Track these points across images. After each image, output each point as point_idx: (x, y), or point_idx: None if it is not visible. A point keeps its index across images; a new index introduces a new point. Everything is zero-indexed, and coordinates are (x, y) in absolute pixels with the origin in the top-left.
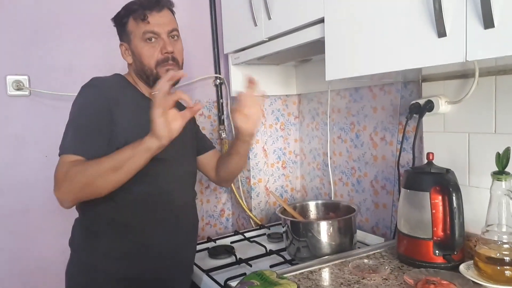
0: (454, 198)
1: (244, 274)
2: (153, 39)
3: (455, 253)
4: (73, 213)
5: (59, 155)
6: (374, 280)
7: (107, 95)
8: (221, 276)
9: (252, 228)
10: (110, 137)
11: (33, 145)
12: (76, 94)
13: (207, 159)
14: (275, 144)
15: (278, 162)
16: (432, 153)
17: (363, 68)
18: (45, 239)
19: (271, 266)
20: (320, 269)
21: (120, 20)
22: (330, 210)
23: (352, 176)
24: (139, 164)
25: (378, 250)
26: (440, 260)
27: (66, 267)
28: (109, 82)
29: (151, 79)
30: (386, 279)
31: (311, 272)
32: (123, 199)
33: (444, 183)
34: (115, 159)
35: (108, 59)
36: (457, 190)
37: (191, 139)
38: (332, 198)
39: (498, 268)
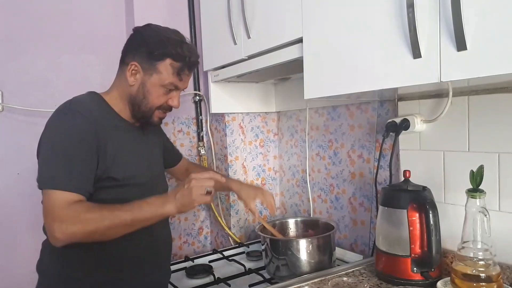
0: (430, 215)
1: None
2: (170, 91)
3: (433, 270)
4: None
5: (49, 188)
6: None
7: (92, 123)
8: None
9: (231, 246)
10: (100, 169)
11: (5, 162)
12: (51, 110)
13: (178, 169)
14: (255, 161)
15: (258, 179)
16: (409, 171)
17: (340, 88)
18: (15, 258)
19: (250, 286)
20: (300, 287)
21: (154, 50)
22: (309, 227)
23: (331, 193)
24: (152, 223)
25: (357, 268)
26: (418, 277)
27: None
28: (90, 106)
29: (140, 115)
30: None
31: None
32: None
33: (421, 200)
34: (132, 217)
35: (85, 74)
36: (434, 208)
37: (161, 155)
38: (311, 215)
39: (474, 284)
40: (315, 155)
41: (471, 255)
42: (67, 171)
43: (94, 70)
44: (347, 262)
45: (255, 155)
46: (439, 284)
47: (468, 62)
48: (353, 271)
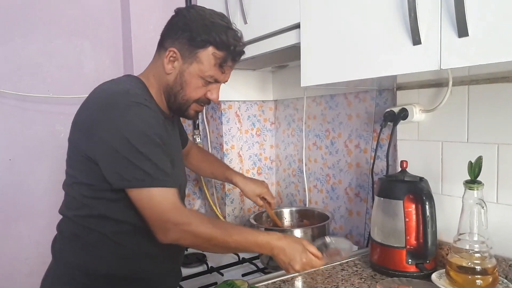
0: (427, 206)
1: (215, 283)
2: (209, 83)
3: (428, 261)
4: (37, 220)
5: (148, 186)
6: None
7: (157, 115)
8: (191, 286)
9: None
10: None
11: None
12: (43, 95)
13: (184, 152)
14: (251, 150)
15: (254, 168)
16: (406, 161)
17: (338, 75)
18: (7, 246)
19: (243, 275)
20: (292, 278)
21: (197, 36)
22: (305, 217)
23: (327, 183)
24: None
25: (352, 259)
26: (412, 268)
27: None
28: (147, 96)
29: (176, 106)
30: None
31: (283, 281)
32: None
33: (418, 191)
34: (240, 244)
35: (78, 59)
36: (430, 199)
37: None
38: (307, 205)
39: (470, 277)
40: (312, 145)
41: (467, 247)
42: (160, 167)
43: (88, 56)
44: None
45: (251, 144)
46: (433, 276)
47: (469, 49)
48: (347, 262)
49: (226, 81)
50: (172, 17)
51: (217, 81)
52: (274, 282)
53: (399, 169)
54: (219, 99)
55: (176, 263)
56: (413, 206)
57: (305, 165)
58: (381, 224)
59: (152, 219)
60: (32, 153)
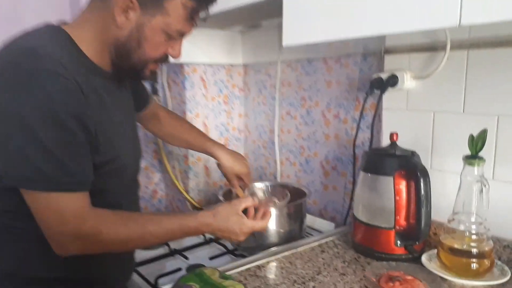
0: (422, 184)
1: (179, 269)
2: (171, 37)
3: (417, 243)
4: None
5: (44, 189)
6: (330, 276)
7: (75, 87)
8: (151, 271)
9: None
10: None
11: None
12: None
13: (145, 116)
14: (218, 119)
15: (220, 138)
16: (397, 133)
17: (328, 32)
18: None
19: (211, 259)
20: (268, 262)
21: None
22: (278, 193)
23: (301, 156)
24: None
25: (331, 238)
26: (401, 251)
27: None
28: (60, 56)
29: (129, 66)
30: (344, 274)
31: (258, 267)
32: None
33: (411, 167)
34: (170, 236)
35: (15, 10)
36: (425, 176)
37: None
38: (278, 179)
39: (464, 260)
40: (286, 114)
41: (462, 228)
42: (59, 163)
43: (29, 7)
44: (317, 231)
45: (218, 113)
46: (424, 259)
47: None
48: (326, 242)
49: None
50: None
51: (182, 35)
52: (248, 268)
53: (383, 141)
54: (181, 61)
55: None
56: (405, 183)
57: (277, 136)
58: (367, 202)
59: (47, 229)
60: None
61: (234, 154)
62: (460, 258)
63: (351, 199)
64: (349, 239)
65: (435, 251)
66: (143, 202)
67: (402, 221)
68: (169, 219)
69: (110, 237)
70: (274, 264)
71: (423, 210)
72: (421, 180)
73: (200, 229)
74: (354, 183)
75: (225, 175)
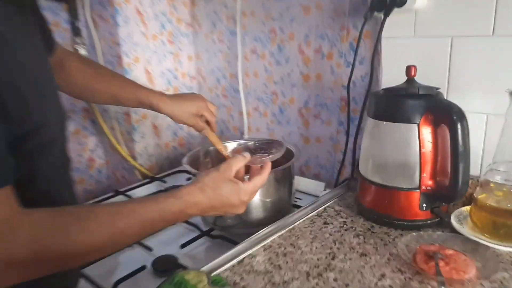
0: (459, 131)
1: (143, 267)
2: None
3: (452, 204)
4: None
5: None
6: (349, 259)
7: None
8: (104, 273)
9: (139, 183)
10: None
11: None
12: None
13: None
14: (163, 64)
15: (168, 89)
16: (415, 66)
17: None
18: None
19: (182, 247)
20: (264, 249)
21: None
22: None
23: (273, 104)
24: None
25: (327, 204)
26: (425, 215)
27: None
28: None
29: None
30: (365, 255)
31: (253, 257)
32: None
33: (443, 109)
34: (142, 230)
35: None
36: (463, 119)
37: None
38: (246, 134)
39: (509, 222)
40: (250, 53)
41: (506, 181)
42: None
43: None
44: (304, 193)
45: (163, 55)
46: (454, 222)
47: None
48: (325, 209)
49: None
50: None
51: None
52: (241, 261)
53: (382, 79)
54: None
55: None
56: (433, 130)
57: (241, 81)
58: (379, 157)
59: None
60: None
61: (178, 96)
62: (502, 219)
63: (344, 152)
64: (350, 203)
65: (462, 210)
66: (77, 174)
67: (428, 180)
68: (144, 207)
69: (60, 252)
70: (273, 250)
71: (461, 165)
72: (458, 126)
73: (186, 212)
74: (348, 133)
75: (182, 123)
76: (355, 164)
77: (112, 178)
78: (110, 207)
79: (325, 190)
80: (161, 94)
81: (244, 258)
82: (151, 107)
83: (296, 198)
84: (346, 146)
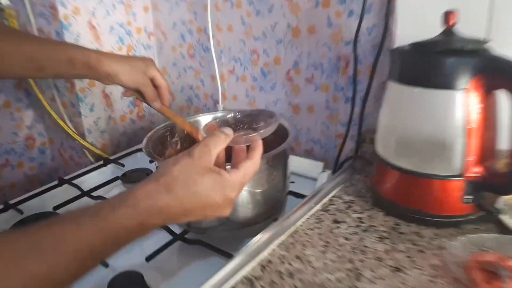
0: None
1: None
2: None
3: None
4: None
5: None
6: (378, 277)
7: None
8: None
9: (91, 167)
10: None
11: None
12: None
13: None
14: (112, 17)
15: (121, 48)
16: (455, 13)
17: None
18: None
19: (148, 259)
20: (263, 268)
21: None
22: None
23: (254, 65)
24: None
25: (333, 193)
26: (467, 209)
27: None
28: None
29: None
30: (398, 270)
31: (256, 279)
32: None
33: (504, 70)
34: (78, 267)
35: None
36: None
37: None
38: (220, 104)
39: None
40: (223, 1)
41: None
42: None
43: None
44: (297, 175)
45: (112, 7)
46: (503, 216)
47: None
48: (331, 201)
49: None
50: None
51: None
52: (241, 281)
53: (397, 32)
54: None
55: None
56: (484, 99)
57: (212, 36)
58: (407, 135)
59: None
60: None
61: (125, 57)
62: None
63: (348, 125)
64: (360, 190)
65: (505, 199)
66: (14, 157)
67: (477, 164)
68: (79, 228)
69: None
70: (274, 267)
71: None
72: None
73: (148, 224)
74: (354, 100)
75: (132, 88)
76: (360, 139)
77: (58, 159)
78: (21, 236)
79: (323, 171)
80: (103, 53)
81: (243, 277)
82: (89, 67)
83: (291, 182)
84: (351, 116)
